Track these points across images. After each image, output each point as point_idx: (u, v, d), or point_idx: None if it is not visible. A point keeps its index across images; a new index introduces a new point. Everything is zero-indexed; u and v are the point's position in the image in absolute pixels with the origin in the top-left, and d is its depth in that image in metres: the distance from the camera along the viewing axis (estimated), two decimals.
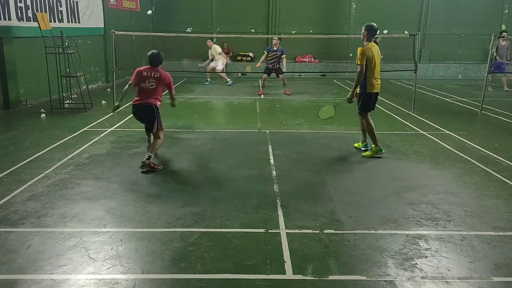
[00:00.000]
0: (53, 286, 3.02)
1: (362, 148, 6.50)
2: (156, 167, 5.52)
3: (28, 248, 3.52)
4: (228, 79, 14.20)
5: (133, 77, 5.78)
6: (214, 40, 14.44)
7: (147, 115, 5.73)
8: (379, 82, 6.23)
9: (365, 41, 6.08)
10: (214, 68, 13.91)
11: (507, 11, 17.50)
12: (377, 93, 6.27)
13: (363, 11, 17.48)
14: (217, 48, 13.95)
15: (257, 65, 13.24)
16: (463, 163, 5.98)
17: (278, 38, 12.35)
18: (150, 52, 5.98)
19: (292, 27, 17.74)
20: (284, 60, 12.21)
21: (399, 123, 8.53)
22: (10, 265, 3.28)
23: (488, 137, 7.51)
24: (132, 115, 5.99)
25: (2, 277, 3.13)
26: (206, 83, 14.47)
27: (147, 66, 5.88)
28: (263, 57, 12.52)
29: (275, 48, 12.02)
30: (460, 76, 17.58)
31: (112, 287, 3.02)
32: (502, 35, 12.51)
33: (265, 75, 12.28)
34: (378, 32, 6.36)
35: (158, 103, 5.80)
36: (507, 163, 5.95)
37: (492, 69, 13.00)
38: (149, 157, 5.48)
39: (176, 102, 6.36)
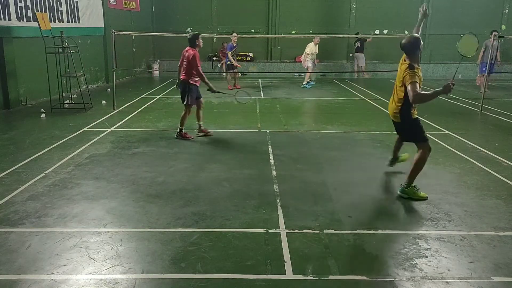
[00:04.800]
0: (53, 286, 3.02)
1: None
2: (188, 136, 7.03)
3: (28, 248, 3.52)
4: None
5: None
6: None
7: (182, 88, 6.97)
8: (390, 105, 4.97)
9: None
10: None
11: (507, 11, 17.50)
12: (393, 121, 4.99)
13: (363, 11, 17.48)
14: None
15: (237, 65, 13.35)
16: (463, 163, 5.98)
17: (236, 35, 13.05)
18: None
19: (292, 27, 17.75)
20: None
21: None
22: (10, 265, 3.28)
23: (488, 137, 7.51)
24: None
25: (2, 277, 3.13)
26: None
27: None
28: (230, 57, 12.92)
29: (235, 45, 12.87)
30: (460, 76, 17.58)
31: (112, 287, 3.02)
32: (491, 35, 12.57)
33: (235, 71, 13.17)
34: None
35: (191, 79, 6.84)
36: (507, 163, 5.95)
37: (483, 69, 13.10)
38: (200, 126, 7.19)
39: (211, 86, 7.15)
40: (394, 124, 4.96)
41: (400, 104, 4.68)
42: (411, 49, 4.67)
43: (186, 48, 6.91)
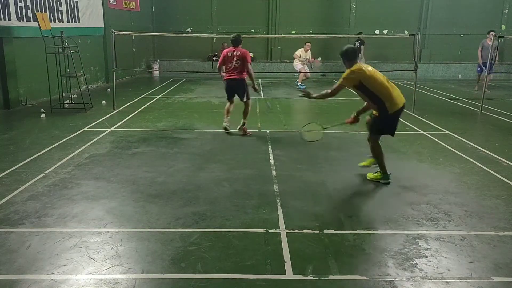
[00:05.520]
0: (53, 286, 3.02)
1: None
2: (248, 132, 7.31)
3: (28, 248, 3.52)
4: None
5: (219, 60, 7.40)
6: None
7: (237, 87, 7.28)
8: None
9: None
10: None
11: (507, 11, 17.50)
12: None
13: (363, 11, 17.48)
14: None
15: None
16: (463, 163, 5.98)
17: None
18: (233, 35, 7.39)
19: (292, 27, 17.74)
20: None
21: (399, 123, 8.51)
22: (10, 265, 3.27)
23: (488, 137, 7.51)
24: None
25: (2, 277, 3.13)
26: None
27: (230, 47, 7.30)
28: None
29: None
30: (460, 76, 17.59)
31: (112, 287, 3.02)
32: (488, 35, 12.65)
33: None
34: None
35: (244, 77, 7.22)
36: (507, 163, 5.95)
37: (479, 69, 13.21)
38: (244, 124, 7.37)
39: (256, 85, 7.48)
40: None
41: None
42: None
43: (230, 49, 7.25)
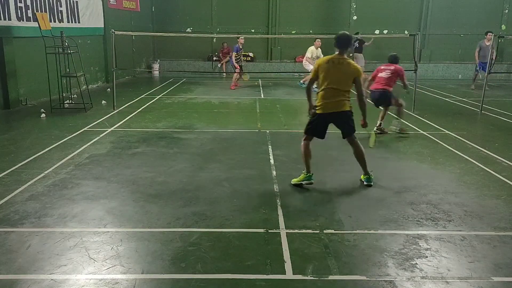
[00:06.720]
0: (53, 286, 3.02)
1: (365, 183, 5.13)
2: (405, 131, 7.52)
3: (28, 248, 3.52)
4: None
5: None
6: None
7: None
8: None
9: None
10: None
11: (507, 11, 17.50)
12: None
13: (363, 11, 17.48)
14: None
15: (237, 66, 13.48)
16: (463, 163, 5.98)
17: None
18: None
19: (292, 27, 17.74)
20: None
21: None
22: (10, 265, 3.27)
23: (488, 137, 7.51)
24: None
25: (2, 277, 3.13)
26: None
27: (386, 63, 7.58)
28: (234, 58, 13.27)
29: (241, 47, 13.21)
30: (460, 76, 17.59)
31: (112, 287, 3.02)
32: (486, 36, 12.75)
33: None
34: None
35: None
36: (507, 163, 5.95)
37: (477, 69, 13.33)
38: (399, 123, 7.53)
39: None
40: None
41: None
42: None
43: (387, 64, 7.50)
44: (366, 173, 5.09)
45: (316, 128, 4.93)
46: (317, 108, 4.85)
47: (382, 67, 7.53)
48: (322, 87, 4.80)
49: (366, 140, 5.59)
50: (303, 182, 4.98)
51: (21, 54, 9.59)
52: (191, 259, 3.38)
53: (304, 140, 5.02)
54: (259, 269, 3.26)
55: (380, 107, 7.58)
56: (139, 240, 3.68)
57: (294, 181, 5.05)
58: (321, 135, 4.99)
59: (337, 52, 4.80)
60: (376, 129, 7.38)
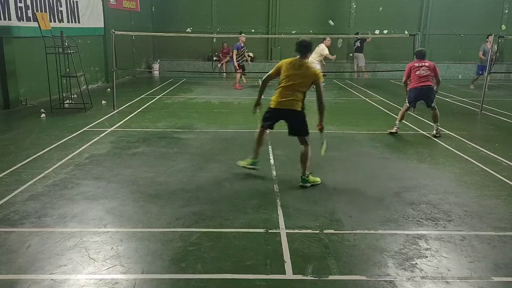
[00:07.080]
0: (53, 286, 3.02)
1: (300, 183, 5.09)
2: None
3: (28, 248, 3.52)
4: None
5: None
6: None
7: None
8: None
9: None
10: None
11: (507, 11, 17.49)
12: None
13: (363, 11, 17.48)
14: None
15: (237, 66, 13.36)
16: (463, 163, 5.98)
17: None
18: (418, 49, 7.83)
19: (292, 27, 17.74)
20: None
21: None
22: (10, 265, 3.27)
23: (488, 137, 7.51)
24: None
25: (2, 277, 3.13)
26: None
27: (417, 59, 7.49)
28: (235, 56, 13.15)
29: (243, 45, 13.14)
30: (460, 76, 17.59)
31: (112, 287, 3.02)
32: (487, 39, 12.79)
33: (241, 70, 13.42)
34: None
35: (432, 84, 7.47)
36: (507, 163, 5.95)
37: (480, 72, 13.32)
38: (437, 128, 7.48)
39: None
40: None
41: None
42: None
43: (419, 61, 7.41)
44: (303, 173, 5.07)
45: (267, 118, 5.21)
46: (271, 103, 5.13)
47: (416, 64, 7.40)
48: (281, 85, 5.06)
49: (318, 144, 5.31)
50: (249, 166, 5.33)
51: (21, 54, 9.59)
52: (191, 259, 3.38)
53: (260, 128, 5.35)
54: (259, 269, 3.26)
55: (413, 108, 7.75)
56: (139, 240, 3.69)
57: (241, 163, 5.42)
58: (270, 126, 5.28)
59: (298, 56, 5.05)
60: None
